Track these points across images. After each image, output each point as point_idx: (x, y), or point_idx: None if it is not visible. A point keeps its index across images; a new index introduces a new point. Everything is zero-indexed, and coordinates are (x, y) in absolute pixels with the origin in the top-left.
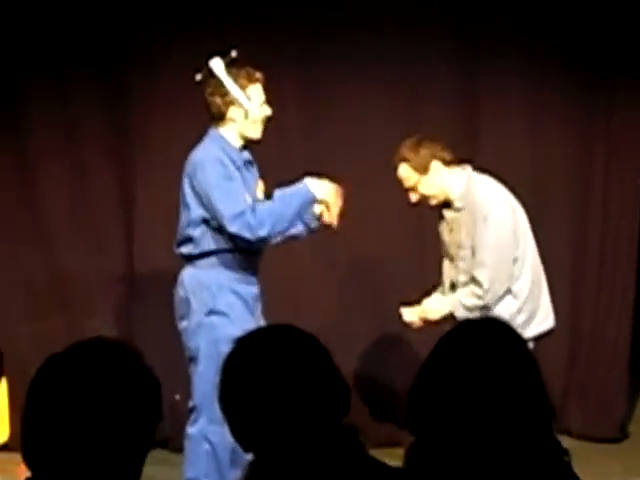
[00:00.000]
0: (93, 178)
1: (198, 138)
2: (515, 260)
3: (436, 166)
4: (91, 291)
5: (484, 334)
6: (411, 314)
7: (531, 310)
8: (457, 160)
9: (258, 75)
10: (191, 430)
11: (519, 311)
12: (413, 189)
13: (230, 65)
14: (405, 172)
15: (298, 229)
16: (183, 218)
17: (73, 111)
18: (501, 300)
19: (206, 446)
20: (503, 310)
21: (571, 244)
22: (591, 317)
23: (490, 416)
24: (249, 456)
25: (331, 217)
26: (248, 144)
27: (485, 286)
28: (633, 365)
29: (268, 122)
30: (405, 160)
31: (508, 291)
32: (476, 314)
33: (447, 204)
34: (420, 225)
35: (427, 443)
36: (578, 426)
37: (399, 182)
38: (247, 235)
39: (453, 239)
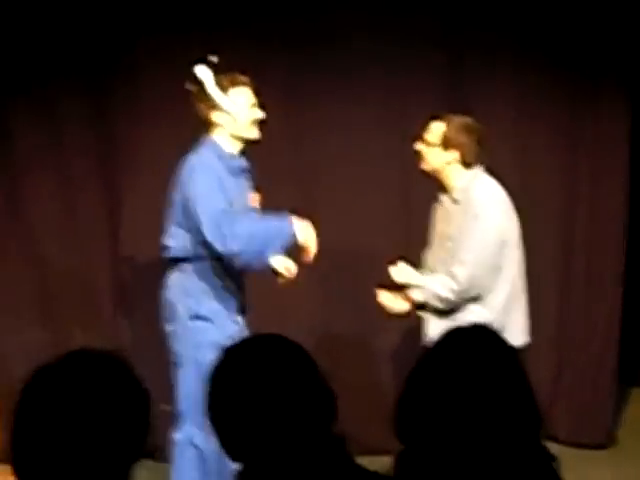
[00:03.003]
0: (79, 186)
1: (184, 143)
2: (495, 269)
3: (452, 155)
4: (77, 301)
5: (473, 341)
6: (388, 297)
7: (500, 324)
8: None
9: (243, 79)
10: (177, 436)
11: (489, 323)
12: (425, 145)
13: (217, 71)
14: (436, 130)
15: (267, 257)
16: (171, 222)
17: (59, 119)
18: (471, 302)
19: (192, 451)
20: (471, 317)
21: (558, 250)
22: (579, 323)
23: (479, 423)
24: (236, 466)
25: (308, 257)
26: (247, 145)
27: (462, 284)
28: (621, 371)
29: (262, 124)
30: (447, 124)
31: (479, 300)
32: (440, 305)
33: (444, 189)
34: (407, 230)
35: (416, 451)
36: (565, 432)
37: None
38: (219, 246)
39: (445, 229)
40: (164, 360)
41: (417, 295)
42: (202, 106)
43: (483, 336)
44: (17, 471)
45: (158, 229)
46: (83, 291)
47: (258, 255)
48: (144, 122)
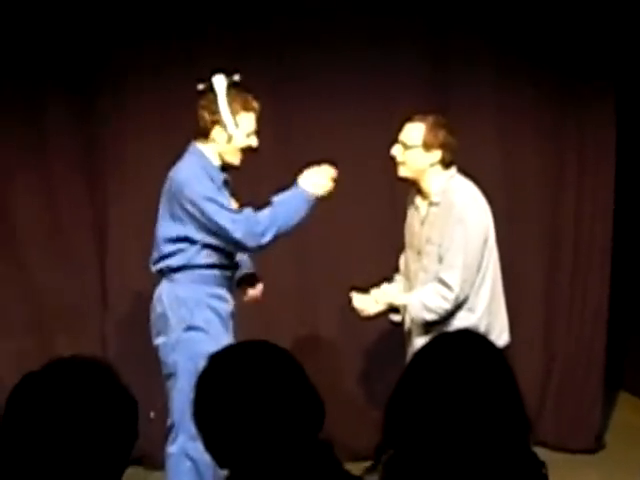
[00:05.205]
0: (65, 196)
1: (170, 151)
2: (478, 270)
3: (436, 156)
4: (64, 309)
5: (461, 346)
6: (362, 300)
7: (487, 325)
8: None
9: (255, 105)
10: (171, 448)
11: (475, 326)
12: (404, 149)
13: (232, 87)
14: (415, 132)
15: (297, 225)
16: (160, 234)
17: (44, 128)
18: (458, 310)
19: (187, 463)
20: (459, 324)
21: (544, 254)
22: (566, 328)
23: (467, 429)
24: (225, 472)
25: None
26: (226, 167)
27: (456, 290)
28: (608, 375)
29: (250, 152)
30: (426, 124)
31: (464, 304)
32: (433, 317)
33: (421, 193)
34: (393, 231)
35: (404, 456)
36: (554, 437)
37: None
38: (251, 243)
39: (423, 232)
40: (152, 368)
41: (403, 315)
42: (206, 115)
43: (471, 341)
44: (3, 479)
45: (145, 238)
46: (70, 299)
47: (289, 232)
48: (129, 130)
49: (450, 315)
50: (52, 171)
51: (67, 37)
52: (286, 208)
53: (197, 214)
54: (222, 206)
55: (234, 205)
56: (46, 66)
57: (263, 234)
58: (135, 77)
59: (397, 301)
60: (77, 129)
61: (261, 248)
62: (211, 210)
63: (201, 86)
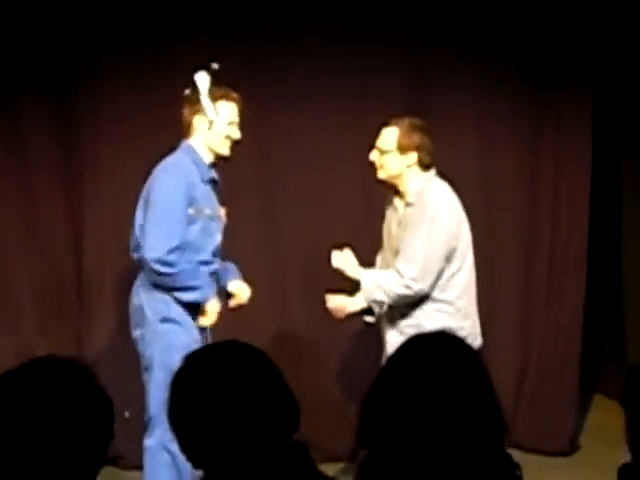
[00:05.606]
0: (41, 195)
1: (146, 152)
2: (442, 273)
3: (412, 158)
4: (40, 308)
5: (436, 347)
6: (336, 301)
7: (457, 328)
8: (431, 166)
9: (235, 95)
10: (149, 442)
11: (447, 329)
12: (380, 153)
13: (215, 78)
14: (389, 136)
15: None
16: (139, 222)
17: (21, 130)
18: (429, 310)
19: (165, 456)
20: (431, 325)
21: (520, 256)
22: (541, 329)
23: (442, 430)
24: (200, 473)
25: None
26: (217, 160)
27: (409, 281)
28: (583, 378)
29: (235, 144)
30: (399, 127)
31: (435, 304)
32: (383, 298)
33: (399, 193)
34: (372, 235)
35: (379, 457)
36: (528, 440)
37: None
38: (157, 267)
39: (400, 233)
40: (128, 368)
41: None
42: (186, 109)
43: (446, 342)
44: None
45: (121, 237)
46: (47, 299)
47: (181, 289)
48: (106, 131)
49: (421, 315)
50: (30, 172)
51: (45, 40)
52: (189, 279)
53: (149, 209)
54: (162, 230)
55: (222, 210)
56: (24, 68)
57: (166, 264)
58: (113, 80)
59: (351, 271)
60: (55, 131)
61: (160, 274)
62: (153, 225)
63: (187, 91)
